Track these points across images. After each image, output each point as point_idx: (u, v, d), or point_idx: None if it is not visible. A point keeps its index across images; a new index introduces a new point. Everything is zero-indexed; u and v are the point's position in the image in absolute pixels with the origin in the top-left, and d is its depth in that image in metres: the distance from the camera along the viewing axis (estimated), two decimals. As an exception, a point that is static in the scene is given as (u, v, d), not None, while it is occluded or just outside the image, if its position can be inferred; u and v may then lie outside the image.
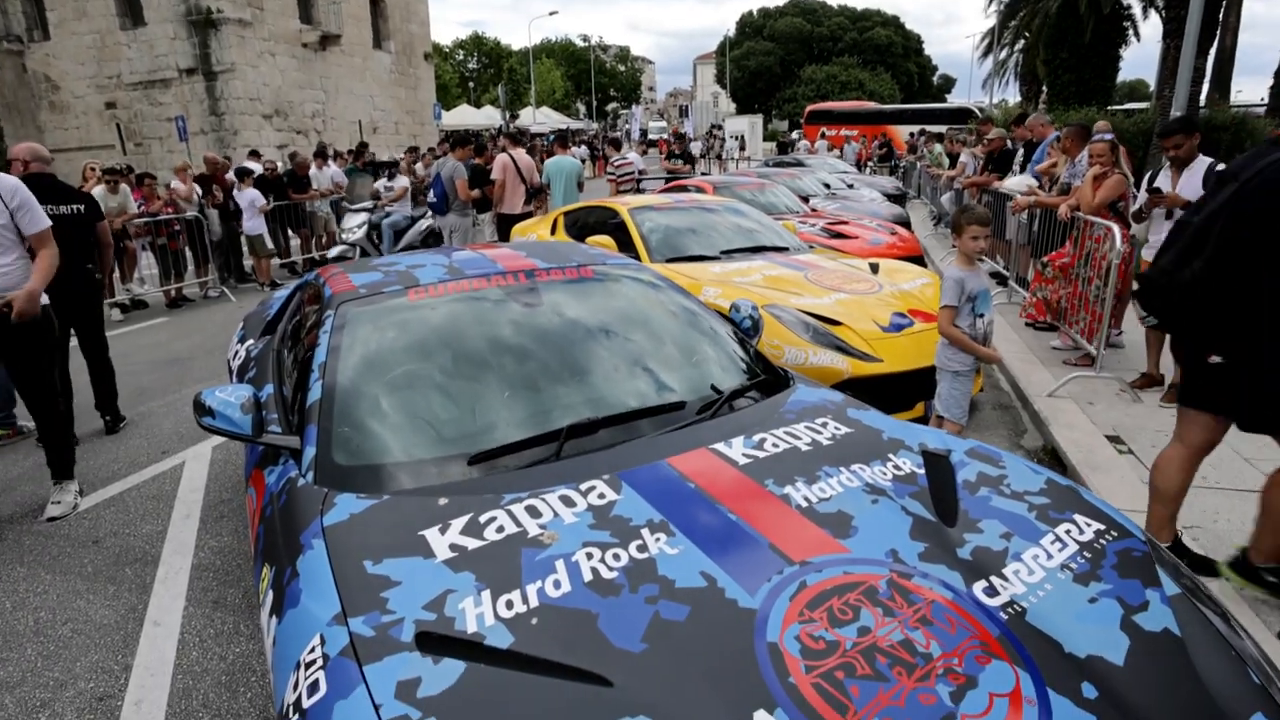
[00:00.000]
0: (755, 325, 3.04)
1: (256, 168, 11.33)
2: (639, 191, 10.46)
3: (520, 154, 8.89)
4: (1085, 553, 1.66)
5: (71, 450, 3.97)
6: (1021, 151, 8.32)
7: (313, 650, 1.41)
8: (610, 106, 69.49)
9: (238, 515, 3.74)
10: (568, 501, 1.78)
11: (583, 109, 63.24)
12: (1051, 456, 4.16)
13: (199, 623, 2.90)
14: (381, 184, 10.44)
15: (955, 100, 55.98)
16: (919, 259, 7.28)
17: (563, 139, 11.28)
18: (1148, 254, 4.72)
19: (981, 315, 3.47)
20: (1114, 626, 1.46)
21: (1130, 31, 23.47)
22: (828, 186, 12.03)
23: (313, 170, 11.69)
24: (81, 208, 4.70)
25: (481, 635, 1.38)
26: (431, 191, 9.19)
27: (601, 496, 1.79)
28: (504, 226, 8.66)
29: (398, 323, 2.53)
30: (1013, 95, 34.22)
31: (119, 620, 2.95)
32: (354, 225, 9.79)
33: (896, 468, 1.98)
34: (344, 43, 26.91)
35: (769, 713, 1.22)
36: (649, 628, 1.39)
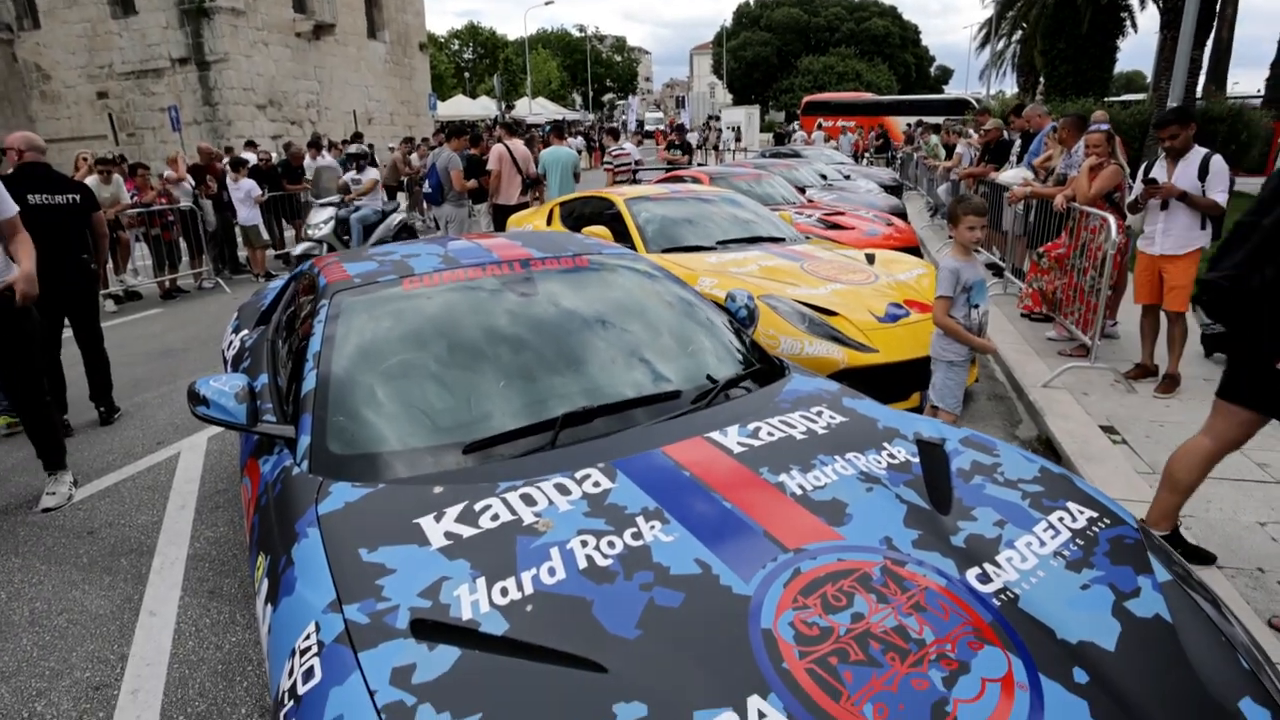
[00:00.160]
0: (751, 315, 3.04)
1: (251, 158, 11.27)
2: (635, 182, 10.44)
3: (516, 144, 8.86)
4: (1078, 540, 1.67)
5: (61, 441, 3.93)
6: (1018, 142, 8.31)
7: (308, 637, 1.41)
8: (606, 97, 69.22)
9: (233, 506, 3.74)
10: (563, 490, 1.78)
11: (579, 100, 63.00)
12: (1046, 447, 4.18)
13: (195, 613, 2.90)
14: (350, 176, 9.82)
15: (952, 91, 55.98)
16: (915, 250, 7.28)
17: (559, 129, 11.24)
18: (1143, 244, 4.73)
19: (977, 306, 3.47)
20: (1106, 613, 1.47)
21: (1128, 23, 23.49)
22: (824, 177, 12.01)
23: (307, 161, 11.64)
24: (77, 197, 4.67)
25: (476, 622, 1.38)
26: (427, 182, 9.15)
27: (596, 485, 1.79)
28: (500, 217, 8.64)
29: (393, 312, 2.52)
30: (1010, 86, 34.26)
31: (115, 610, 2.95)
32: (320, 221, 9.12)
33: (891, 456, 1.98)
34: (338, 32, 26.74)
35: (763, 698, 1.22)
36: (643, 614, 1.40)
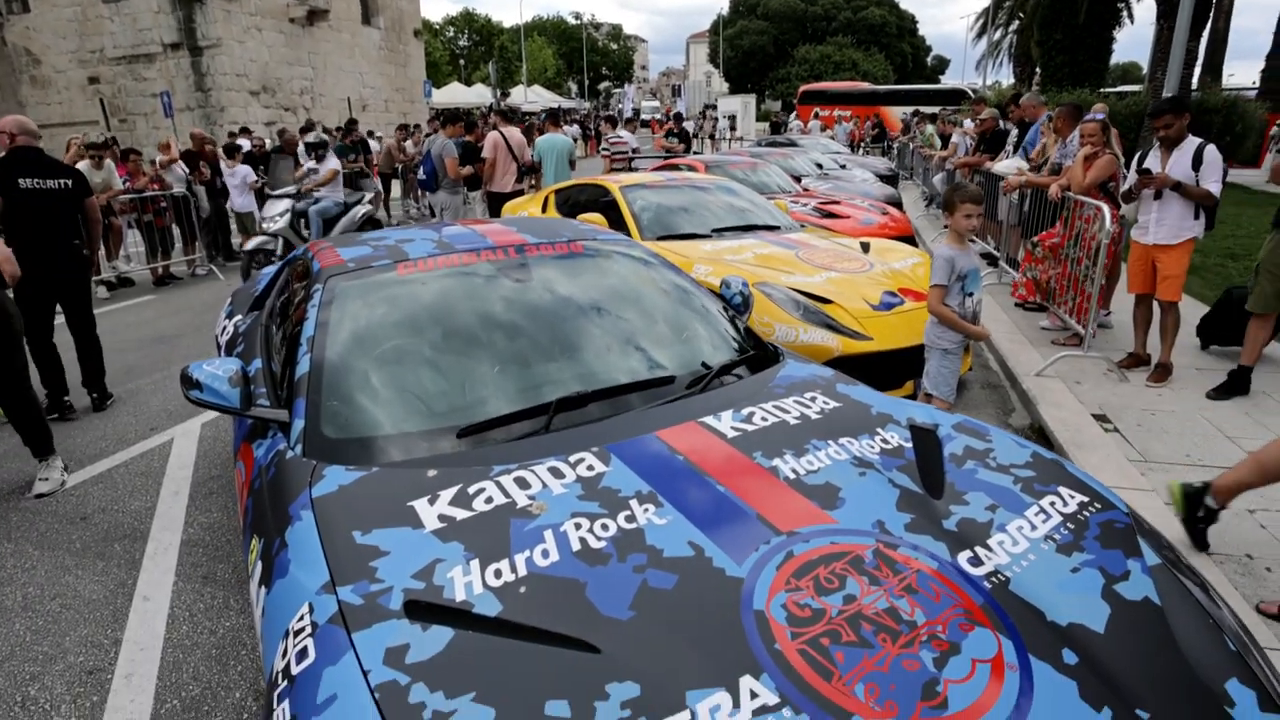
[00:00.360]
0: (745, 302, 3.04)
1: (245, 145, 11.19)
2: (631, 170, 10.40)
3: (512, 131, 8.81)
4: (1069, 524, 1.68)
5: (47, 427, 3.88)
6: (1015, 132, 8.30)
7: (301, 619, 1.41)
8: (603, 85, 68.85)
9: (227, 492, 3.73)
10: (556, 473, 1.78)
11: (574, 88, 62.65)
12: (1039, 435, 4.20)
13: (189, 597, 2.90)
14: (308, 166, 9.12)
15: (949, 81, 55.83)
16: (910, 239, 7.29)
17: (554, 117, 11.17)
18: (1136, 234, 4.74)
19: (971, 294, 3.48)
20: (1095, 595, 1.48)
21: (1124, 13, 23.43)
22: (820, 166, 12.00)
23: (301, 148, 11.54)
24: (69, 182, 4.62)
25: (470, 603, 1.39)
26: (422, 169, 9.10)
27: (590, 468, 1.80)
28: (495, 204, 8.60)
29: (386, 297, 2.51)
30: (1007, 77, 34.22)
31: (108, 595, 2.95)
32: (276, 213, 8.54)
33: (884, 441, 1.99)
34: (332, 18, 26.47)
35: (755, 678, 1.23)
36: (637, 596, 1.40)
